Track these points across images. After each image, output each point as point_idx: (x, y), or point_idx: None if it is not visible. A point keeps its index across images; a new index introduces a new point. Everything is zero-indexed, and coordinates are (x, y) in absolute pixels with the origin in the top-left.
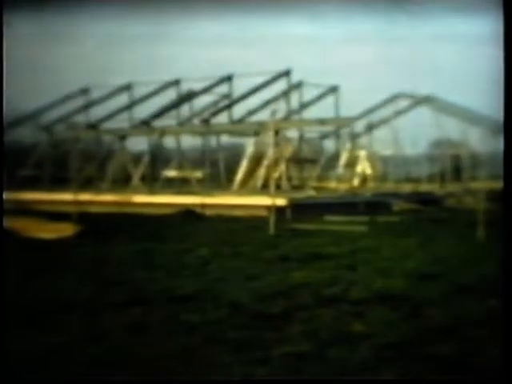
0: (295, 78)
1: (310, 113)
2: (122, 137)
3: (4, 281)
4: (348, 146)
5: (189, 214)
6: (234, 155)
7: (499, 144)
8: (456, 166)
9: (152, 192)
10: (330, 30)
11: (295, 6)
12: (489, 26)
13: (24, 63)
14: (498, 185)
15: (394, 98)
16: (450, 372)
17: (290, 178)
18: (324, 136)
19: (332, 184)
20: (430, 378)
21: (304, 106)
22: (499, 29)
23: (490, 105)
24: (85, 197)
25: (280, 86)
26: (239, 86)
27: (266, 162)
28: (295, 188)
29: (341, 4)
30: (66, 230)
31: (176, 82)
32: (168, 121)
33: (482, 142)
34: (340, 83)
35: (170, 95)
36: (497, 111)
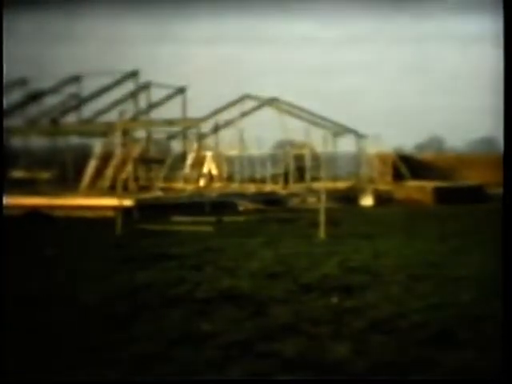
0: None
1: (158, 113)
2: None
3: (4, 279)
4: (195, 146)
5: (35, 216)
6: (83, 156)
7: (339, 145)
8: (299, 167)
9: None
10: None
11: None
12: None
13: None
14: (339, 185)
15: (240, 100)
16: (295, 370)
17: (137, 179)
18: (171, 136)
19: (179, 184)
20: (429, 379)
21: (152, 106)
22: (499, 29)
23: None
24: None
25: (129, 86)
26: (88, 86)
27: (113, 163)
28: (142, 188)
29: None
30: None
31: (22, 82)
32: (15, 120)
33: (324, 144)
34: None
35: (17, 95)
36: (496, 111)
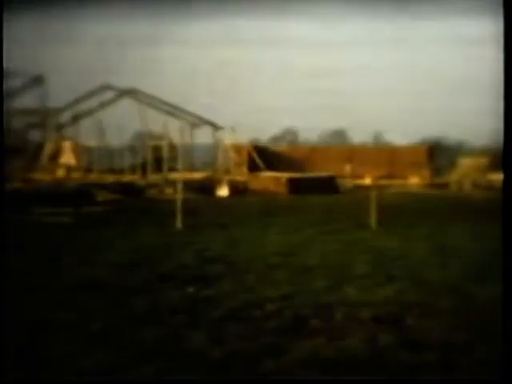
0: None
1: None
2: None
3: (4, 281)
4: (53, 136)
5: None
6: None
7: (196, 136)
8: (157, 158)
9: None
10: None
11: None
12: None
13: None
14: (196, 175)
15: (99, 90)
16: (153, 360)
17: None
18: (30, 126)
19: (37, 175)
20: (429, 379)
21: (9, 95)
22: (499, 30)
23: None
24: None
25: None
26: None
27: None
28: None
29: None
30: None
31: None
32: None
33: (181, 135)
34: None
35: None
36: (496, 112)
